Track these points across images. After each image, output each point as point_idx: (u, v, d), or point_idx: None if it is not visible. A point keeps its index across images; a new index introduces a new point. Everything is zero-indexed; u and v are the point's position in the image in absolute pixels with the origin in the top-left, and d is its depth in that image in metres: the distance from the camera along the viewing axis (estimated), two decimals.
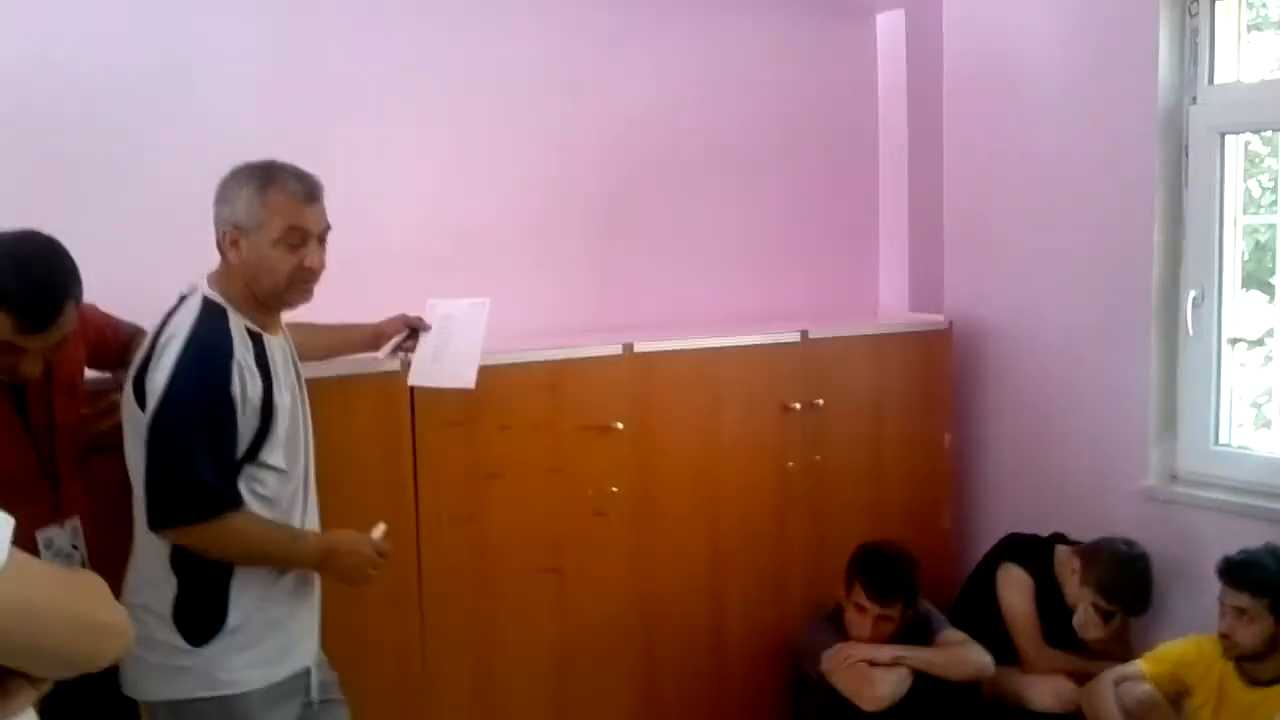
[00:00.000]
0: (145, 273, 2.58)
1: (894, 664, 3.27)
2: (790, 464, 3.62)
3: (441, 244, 3.35)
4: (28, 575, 1.15)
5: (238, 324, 2.25)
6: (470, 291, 2.87)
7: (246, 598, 2.25)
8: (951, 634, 3.42)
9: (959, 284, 4.19)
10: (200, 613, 2.22)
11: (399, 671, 2.98)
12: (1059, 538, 3.69)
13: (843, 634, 3.40)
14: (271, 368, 2.27)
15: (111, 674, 2.33)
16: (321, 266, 2.32)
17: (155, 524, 2.17)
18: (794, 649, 3.55)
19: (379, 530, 2.40)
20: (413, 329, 2.82)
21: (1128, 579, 3.44)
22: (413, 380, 2.81)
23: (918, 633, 3.40)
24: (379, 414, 2.90)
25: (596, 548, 3.26)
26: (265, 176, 2.24)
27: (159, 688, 2.24)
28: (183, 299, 2.29)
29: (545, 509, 3.17)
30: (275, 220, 2.23)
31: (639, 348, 3.30)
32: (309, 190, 2.27)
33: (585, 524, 3.23)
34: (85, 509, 2.33)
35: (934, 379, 3.98)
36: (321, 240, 2.31)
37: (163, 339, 2.20)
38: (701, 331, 3.58)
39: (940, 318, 4.06)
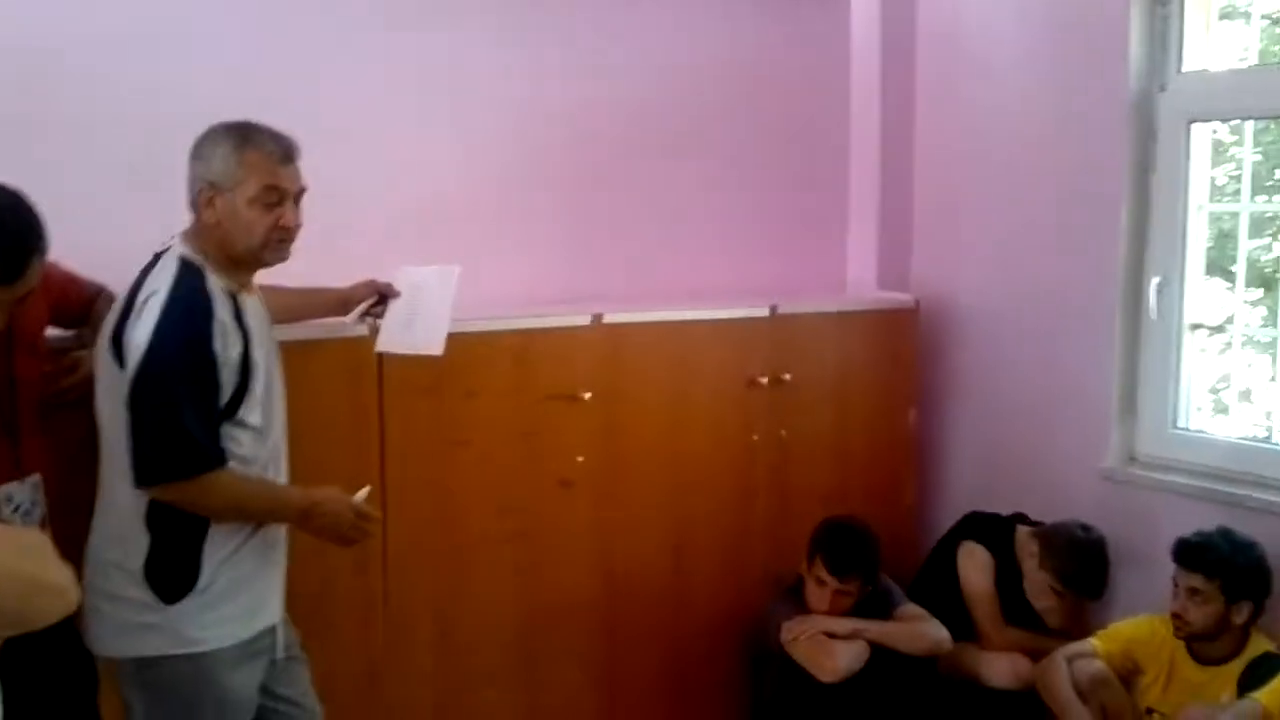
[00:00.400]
0: (113, 230, 2.57)
1: (853, 636, 3.32)
2: (755, 437, 3.65)
3: (412, 212, 3.34)
4: None
5: (215, 283, 2.25)
6: (440, 259, 2.86)
7: (218, 556, 2.26)
8: (910, 609, 3.47)
9: (927, 263, 4.22)
10: (172, 570, 2.23)
11: (362, 633, 2.99)
12: (1020, 517, 3.73)
13: (803, 607, 3.44)
14: (248, 327, 2.28)
15: (69, 630, 2.34)
16: (298, 225, 2.33)
17: (143, 481, 2.18)
18: (755, 620, 3.59)
19: (363, 492, 2.42)
20: (382, 295, 2.81)
21: (1084, 566, 3.48)
22: (381, 346, 2.80)
23: (877, 607, 3.44)
24: (346, 379, 2.90)
25: (561, 516, 3.29)
26: (242, 136, 2.25)
27: (126, 644, 2.25)
28: (157, 257, 2.28)
29: (511, 477, 3.18)
30: (252, 179, 2.24)
31: (608, 319, 3.31)
32: (285, 150, 2.29)
33: (551, 493, 3.25)
34: (46, 466, 2.32)
35: (900, 356, 4.01)
36: (297, 200, 2.33)
37: (141, 296, 2.20)
38: (671, 304, 3.60)
39: (907, 296, 4.08)
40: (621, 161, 3.76)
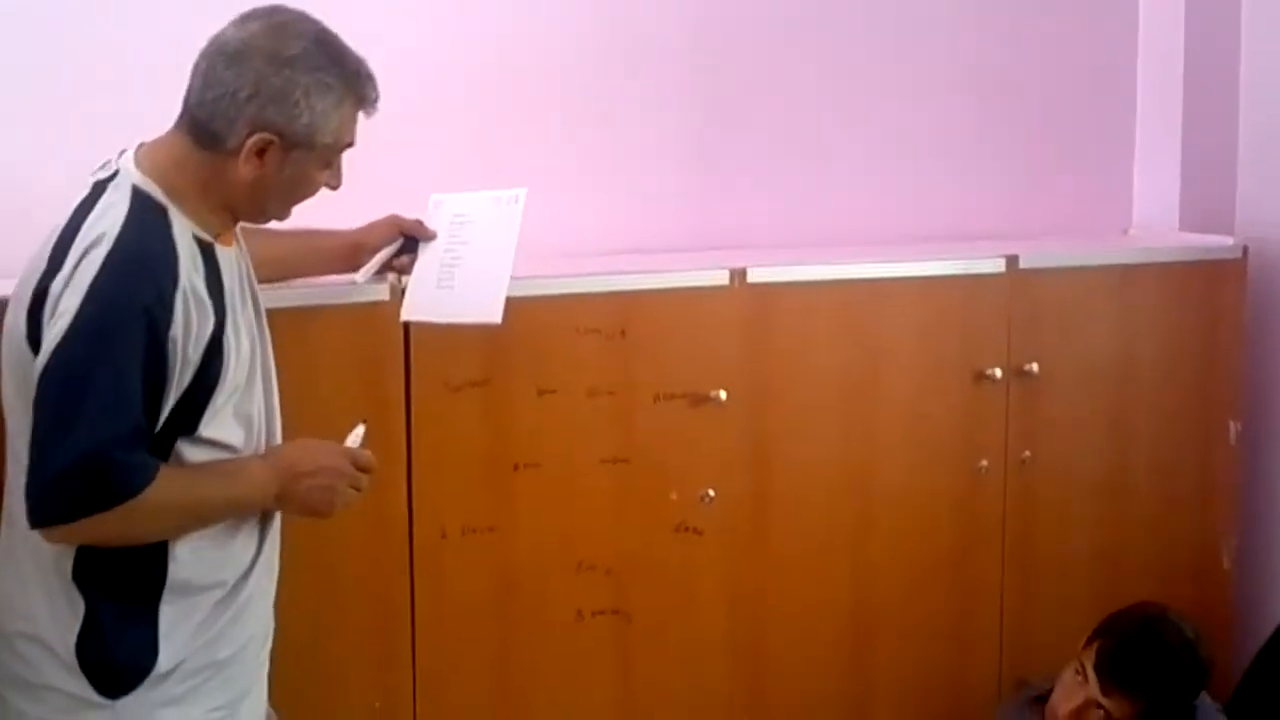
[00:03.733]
0: None
1: None
2: (984, 463, 3.68)
3: (459, 118, 3.46)
4: None
5: (183, 229, 2.35)
6: (496, 184, 2.96)
7: (185, 626, 2.37)
8: None
9: (1259, 192, 4.21)
10: (117, 648, 2.33)
11: None
12: None
13: None
14: (227, 295, 2.39)
15: None
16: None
17: (40, 520, 2.24)
18: None
19: (357, 433, 2.55)
20: (410, 238, 2.93)
21: None
22: (408, 314, 2.90)
23: None
24: (357, 365, 2.99)
25: (683, 582, 3.35)
26: (350, 85, 2.42)
27: None
28: (99, 187, 2.37)
29: (605, 520, 3.26)
30: (342, 140, 2.45)
31: (754, 276, 3.36)
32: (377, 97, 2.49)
33: (666, 545, 3.32)
34: None
35: (1216, 334, 4.00)
36: None
37: (76, 247, 2.27)
38: (850, 255, 3.64)
39: (1229, 240, 4.06)
40: (773, 44, 3.82)
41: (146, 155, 2.38)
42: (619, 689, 3.33)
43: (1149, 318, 3.91)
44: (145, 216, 2.31)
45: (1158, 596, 3.62)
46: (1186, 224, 4.22)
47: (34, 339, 2.27)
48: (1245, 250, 4.04)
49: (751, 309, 3.37)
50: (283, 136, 2.35)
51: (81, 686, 2.32)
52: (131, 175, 2.35)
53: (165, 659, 2.35)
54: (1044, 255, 3.77)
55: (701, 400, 3.32)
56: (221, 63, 2.32)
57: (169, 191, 2.35)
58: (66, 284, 2.23)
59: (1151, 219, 4.29)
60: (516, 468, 3.16)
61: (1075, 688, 3.43)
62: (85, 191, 2.37)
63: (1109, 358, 3.86)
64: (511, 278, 2.85)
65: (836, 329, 3.49)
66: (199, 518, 2.36)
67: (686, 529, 3.34)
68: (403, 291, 2.92)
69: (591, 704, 3.31)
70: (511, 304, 2.83)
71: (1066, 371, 3.78)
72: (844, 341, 3.51)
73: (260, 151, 2.35)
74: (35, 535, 2.29)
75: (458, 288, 2.86)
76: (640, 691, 3.35)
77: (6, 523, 2.40)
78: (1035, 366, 3.71)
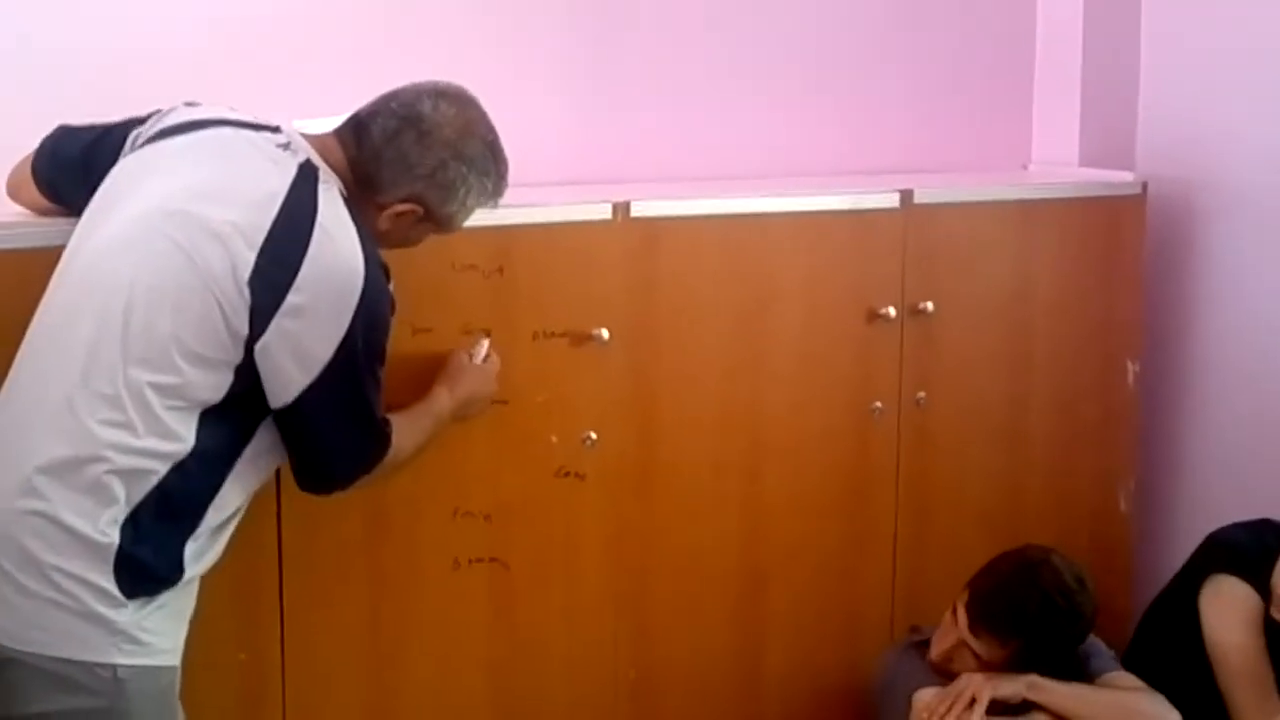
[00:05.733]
0: None
1: (1025, 701, 3.33)
2: (877, 404, 3.67)
3: (326, 40, 3.40)
4: None
5: None
6: (353, 106, 2.84)
7: (207, 556, 2.57)
8: (1118, 678, 3.46)
9: (1160, 128, 4.24)
10: (152, 556, 2.44)
11: (248, 709, 3.04)
12: None
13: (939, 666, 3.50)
14: None
15: None
16: None
17: (330, 486, 2.75)
18: (871, 691, 3.64)
19: (483, 347, 3.03)
20: None
21: None
22: None
23: (1062, 669, 3.44)
24: None
25: (564, 528, 3.32)
26: (497, 190, 2.78)
27: (53, 642, 2.39)
28: (305, 174, 2.54)
29: (483, 465, 3.21)
30: (461, 227, 2.80)
31: (638, 210, 3.32)
32: None
33: (547, 490, 3.28)
34: None
35: (1115, 272, 4.02)
36: None
37: (316, 259, 2.48)
38: (739, 189, 3.61)
39: (1129, 176, 4.09)
40: None
41: (323, 158, 2.63)
42: (497, 640, 3.29)
43: (1047, 255, 3.92)
44: (371, 247, 2.58)
45: (1054, 540, 3.63)
46: (1086, 159, 4.24)
47: (258, 299, 2.45)
48: (1145, 186, 4.07)
49: (635, 244, 3.34)
50: (427, 212, 2.70)
51: (104, 578, 2.40)
52: (334, 181, 2.60)
53: (188, 570, 2.53)
54: (940, 190, 3.76)
55: (583, 339, 3.28)
56: (411, 136, 2.62)
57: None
58: (314, 297, 2.48)
59: (1051, 154, 4.31)
60: (390, 409, 3.07)
61: (949, 628, 3.48)
62: (290, 172, 2.54)
63: (1006, 296, 3.87)
64: None
65: (724, 266, 3.46)
66: (413, 452, 2.89)
67: (568, 473, 3.31)
68: None
69: (468, 656, 3.26)
70: None
71: (962, 310, 3.78)
72: (732, 279, 3.48)
73: (400, 215, 2.68)
74: (90, 437, 2.39)
75: None
76: (520, 643, 3.31)
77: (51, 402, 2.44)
78: (930, 305, 3.71)
